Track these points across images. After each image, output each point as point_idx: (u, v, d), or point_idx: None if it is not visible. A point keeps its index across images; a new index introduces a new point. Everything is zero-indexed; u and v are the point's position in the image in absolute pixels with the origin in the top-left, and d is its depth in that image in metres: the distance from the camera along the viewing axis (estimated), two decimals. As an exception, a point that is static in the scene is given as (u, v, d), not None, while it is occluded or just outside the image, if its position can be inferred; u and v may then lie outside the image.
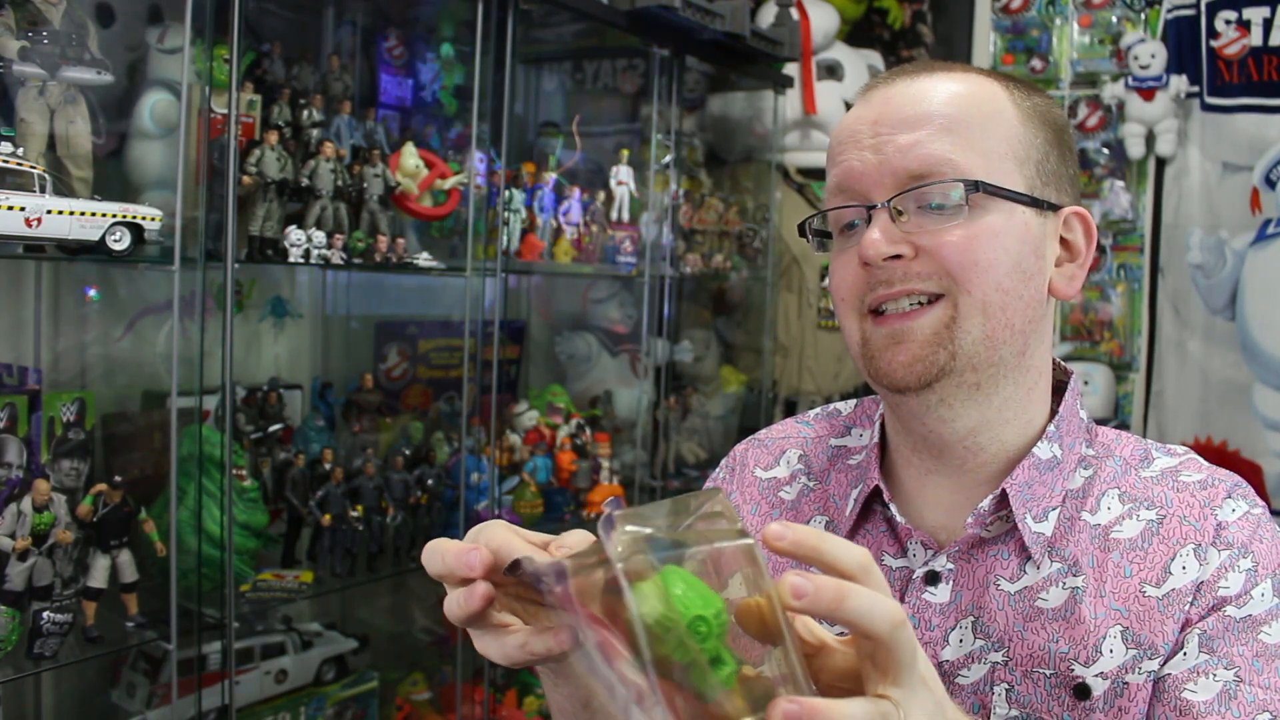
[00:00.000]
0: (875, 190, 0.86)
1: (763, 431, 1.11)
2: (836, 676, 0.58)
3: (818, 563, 0.55)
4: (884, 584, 0.55)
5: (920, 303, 0.85)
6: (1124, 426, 2.98)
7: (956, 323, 0.84)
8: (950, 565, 0.88)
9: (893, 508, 0.91)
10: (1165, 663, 0.80)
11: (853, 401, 1.08)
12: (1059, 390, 0.94)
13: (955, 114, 0.85)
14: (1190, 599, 0.81)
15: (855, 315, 0.88)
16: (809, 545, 0.54)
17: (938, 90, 0.86)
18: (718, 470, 1.10)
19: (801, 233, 0.94)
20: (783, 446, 1.06)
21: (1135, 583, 0.83)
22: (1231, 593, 0.80)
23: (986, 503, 0.86)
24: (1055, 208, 0.88)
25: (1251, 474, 2.66)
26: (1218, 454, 2.76)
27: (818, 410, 1.10)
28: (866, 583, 0.54)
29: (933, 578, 0.88)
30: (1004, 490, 0.86)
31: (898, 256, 0.84)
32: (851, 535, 0.95)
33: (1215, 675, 0.77)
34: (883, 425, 0.98)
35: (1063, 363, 0.96)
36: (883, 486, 0.92)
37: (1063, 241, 0.90)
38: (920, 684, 0.56)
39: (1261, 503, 0.88)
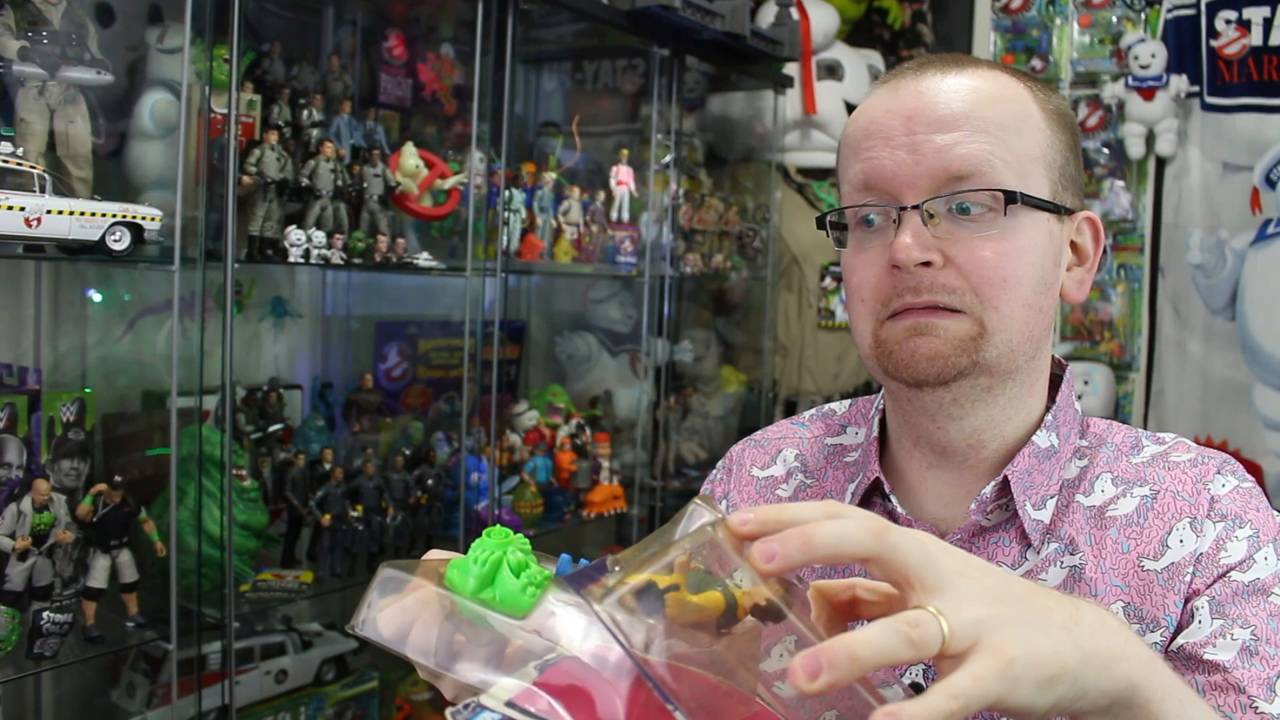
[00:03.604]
0: (907, 191, 0.83)
1: (758, 432, 1.11)
2: None
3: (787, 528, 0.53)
4: (857, 513, 0.54)
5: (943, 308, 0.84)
6: (1124, 426, 2.98)
7: (983, 339, 0.83)
8: None
9: (894, 499, 0.91)
10: (1177, 634, 0.80)
11: (847, 401, 1.08)
12: (1054, 382, 0.95)
13: (990, 115, 0.83)
14: (1191, 570, 0.81)
15: (872, 318, 0.87)
16: (773, 519, 0.53)
17: (971, 89, 0.84)
18: (715, 471, 1.10)
19: (820, 226, 0.92)
20: (779, 446, 1.06)
21: (1133, 557, 0.83)
22: (1234, 560, 0.81)
23: (989, 490, 0.87)
24: (1071, 213, 0.89)
25: (1251, 474, 2.65)
26: (1218, 454, 2.76)
27: (812, 411, 1.10)
28: (838, 518, 0.53)
29: None
30: (1005, 478, 0.87)
31: (927, 263, 0.82)
32: None
33: (1233, 635, 0.77)
34: (881, 420, 0.98)
35: (1058, 357, 0.96)
36: (883, 479, 0.93)
37: (1072, 245, 0.90)
38: (956, 577, 0.53)
39: (1251, 478, 0.89)
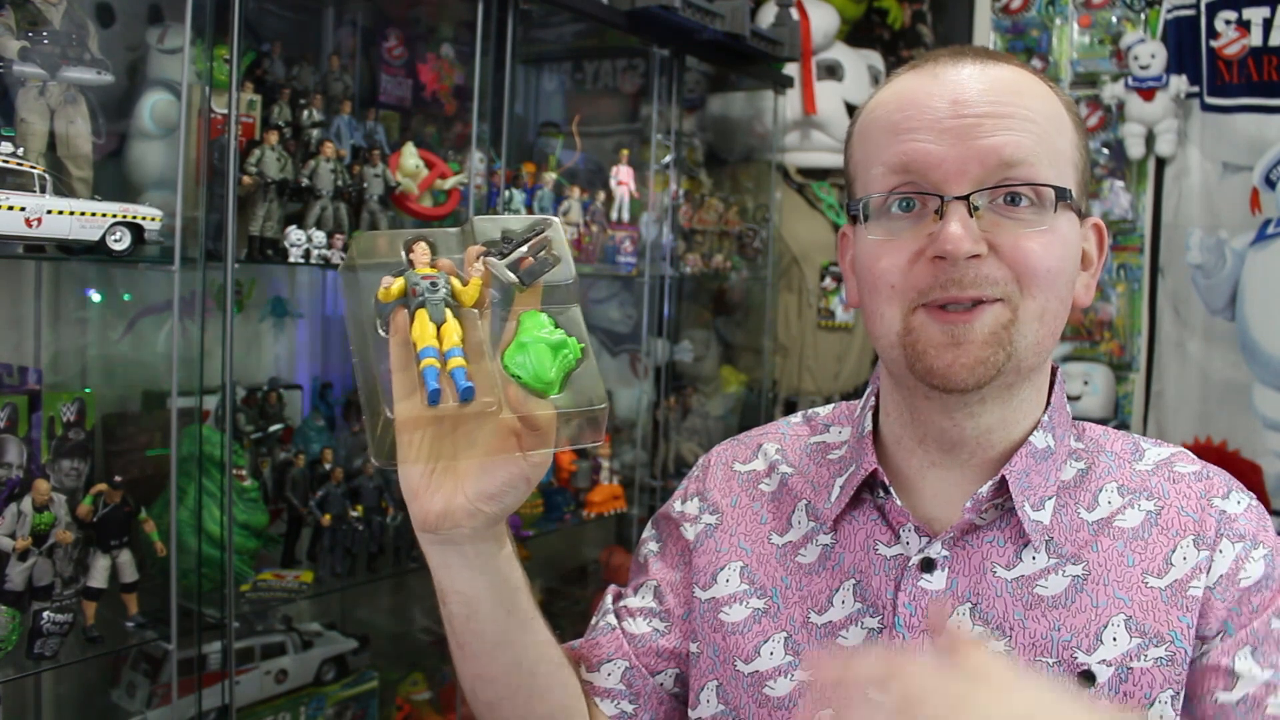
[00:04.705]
0: (954, 179, 0.82)
1: (738, 434, 1.11)
2: None
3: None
4: None
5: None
6: (1124, 426, 2.98)
7: (1015, 326, 0.83)
8: (946, 552, 0.88)
9: (892, 492, 0.91)
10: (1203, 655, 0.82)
11: (830, 405, 1.09)
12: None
13: (1035, 110, 0.83)
14: (1200, 587, 0.83)
15: (900, 306, 0.85)
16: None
17: (1013, 81, 0.84)
18: (693, 469, 1.10)
19: (850, 211, 0.90)
20: (759, 441, 1.07)
21: (1137, 572, 0.84)
22: (1252, 581, 0.83)
23: (985, 489, 0.87)
24: (1084, 217, 0.89)
25: (1251, 474, 2.66)
26: (1218, 454, 2.75)
27: (794, 415, 1.10)
28: None
29: (928, 564, 0.88)
30: (1003, 477, 0.87)
31: (974, 255, 0.81)
32: (838, 523, 0.94)
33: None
34: (873, 416, 0.98)
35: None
36: (881, 471, 0.92)
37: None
38: None
39: (1252, 493, 0.91)
